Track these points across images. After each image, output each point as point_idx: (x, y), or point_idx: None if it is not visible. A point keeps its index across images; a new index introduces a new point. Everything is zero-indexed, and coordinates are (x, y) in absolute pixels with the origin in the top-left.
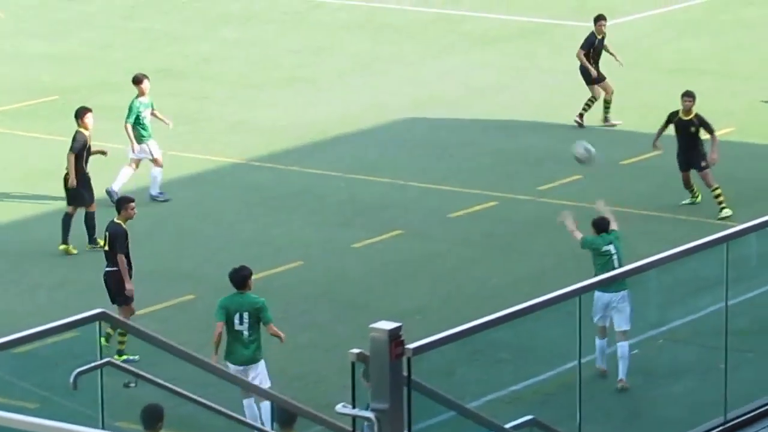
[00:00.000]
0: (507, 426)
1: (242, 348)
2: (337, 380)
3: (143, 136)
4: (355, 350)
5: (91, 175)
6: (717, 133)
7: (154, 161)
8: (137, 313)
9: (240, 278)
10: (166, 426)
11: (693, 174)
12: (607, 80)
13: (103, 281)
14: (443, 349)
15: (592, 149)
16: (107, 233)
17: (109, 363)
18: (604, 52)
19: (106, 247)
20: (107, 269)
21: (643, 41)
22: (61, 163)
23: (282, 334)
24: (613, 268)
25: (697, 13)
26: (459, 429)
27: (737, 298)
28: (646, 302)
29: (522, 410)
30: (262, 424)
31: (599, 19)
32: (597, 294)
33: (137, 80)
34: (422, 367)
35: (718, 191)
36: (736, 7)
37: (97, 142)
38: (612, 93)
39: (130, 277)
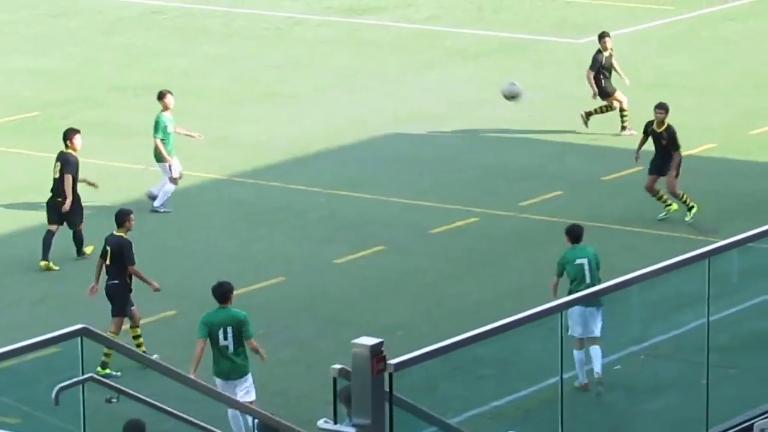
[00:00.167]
0: None
1: (228, 362)
2: (319, 396)
3: (170, 152)
4: (337, 366)
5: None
6: (698, 150)
7: (174, 179)
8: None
9: (222, 293)
10: None
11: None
12: (617, 93)
13: (105, 294)
14: (425, 365)
15: (516, 83)
16: (109, 248)
17: (91, 378)
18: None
19: (108, 261)
20: (110, 282)
21: (624, 57)
22: (42, 178)
23: (262, 351)
24: (584, 279)
25: (678, 29)
26: None
27: (719, 314)
28: (628, 318)
29: (504, 426)
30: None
31: (603, 36)
32: (573, 311)
33: (160, 95)
34: (404, 383)
35: (684, 196)
36: (717, 23)
37: (80, 158)
38: (623, 103)
39: (131, 290)
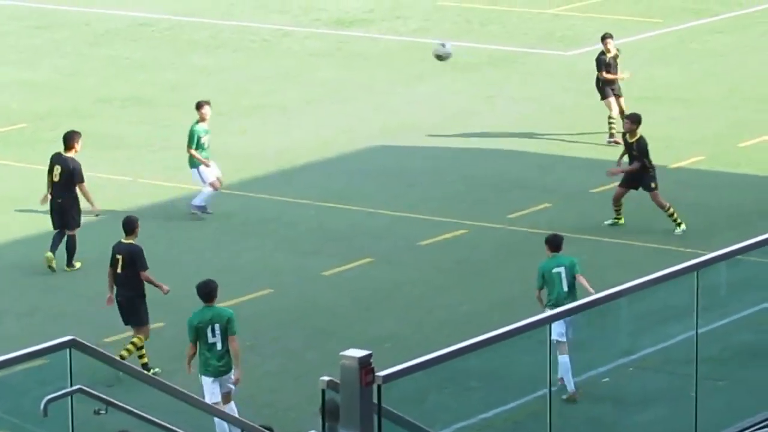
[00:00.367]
0: None
1: (216, 360)
2: (307, 407)
3: (196, 163)
4: (326, 377)
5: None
6: (687, 162)
7: (211, 184)
8: (107, 340)
9: (207, 292)
10: None
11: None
12: (612, 99)
13: (120, 305)
14: (413, 377)
15: (446, 43)
16: (120, 256)
17: (79, 390)
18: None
19: (120, 270)
20: (126, 293)
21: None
22: (29, 190)
23: (238, 350)
24: (561, 287)
25: (667, 42)
26: None
27: (708, 326)
28: (617, 330)
29: None
30: None
31: (605, 37)
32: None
33: (198, 106)
34: (392, 395)
35: (671, 210)
36: (705, 36)
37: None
38: (619, 112)
39: (145, 295)
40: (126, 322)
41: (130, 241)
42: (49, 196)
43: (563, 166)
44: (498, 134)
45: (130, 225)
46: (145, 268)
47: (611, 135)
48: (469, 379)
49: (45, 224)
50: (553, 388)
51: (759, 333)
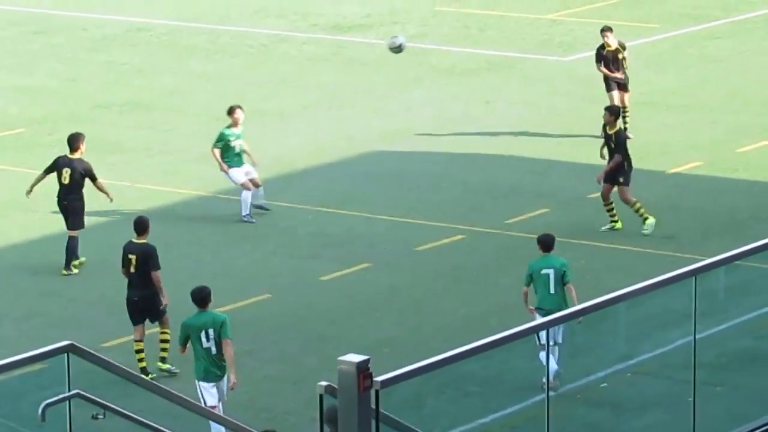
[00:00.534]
0: None
1: (212, 365)
2: (305, 412)
3: (231, 164)
4: (324, 383)
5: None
6: (684, 167)
7: (243, 185)
8: (105, 344)
9: (201, 297)
10: None
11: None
12: (615, 93)
13: (134, 304)
14: (411, 382)
15: (398, 35)
16: (134, 256)
17: (77, 395)
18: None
19: (133, 269)
20: (142, 293)
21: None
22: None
23: (232, 355)
24: (547, 289)
25: (664, 47)
26: None
27: (706, 331)
28: (614, 335)
29: None
30: None
31: (603, 30)
32: (537, 315)
33: (229, 111)
34: (390, 400)
35: (638, 205)
36: (702, 41)
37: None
38: (623, 104)
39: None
40: (139, 321)
41: (143, 240)
42: (31, 191)
43: (561, 171)
44: (496, 139)
45: (142, 225)
46: (158, 268)
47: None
48: (468, 384)
49: (42, 229)
50: (551, 393)
51: (757, 338)
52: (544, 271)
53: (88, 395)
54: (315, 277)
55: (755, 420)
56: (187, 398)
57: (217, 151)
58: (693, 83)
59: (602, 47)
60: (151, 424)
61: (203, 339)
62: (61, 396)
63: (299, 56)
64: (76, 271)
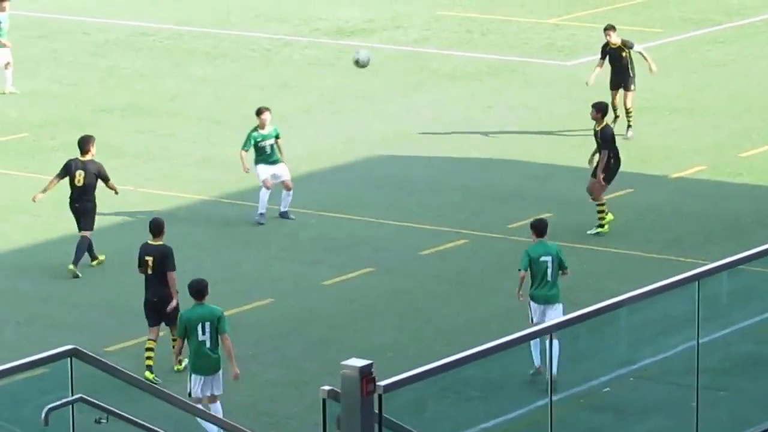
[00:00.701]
0: None
1: (207, 358)
2: (307, 417)
3: (259, 161)
4: (326, 387)
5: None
6: (688, 172)
7: (262, 182)
8: (107, 349)
9: (199, 290)
10: None
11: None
12: (621, 91)
13: (152, 305)
14: (414, 386)
15: (359, 51)
16: (151, 257)
17: (80, 399)
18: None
19: (151, 271)
20: (161, 292)
21: (609, 81)
22: (29, 197)
23: (231, 348)
24: (546, 278)
25: (667, 52)
26: None
27: (708, 336)
28: (617, 340)
29: None
30: None
31: (606, 28)
32: (533, 304)
33: (257, 112)
34: (393, 404)
35: (602, 207)
36: (706, 45)
37: (67, 179)
38: (626, 106)
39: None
40: (156, 322)
41: (160, 242)
42: (42, 195)
43: (563, 175)
44: (497, 143)
45: (158, 226)
46: (174, 269)
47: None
48: (470, 388)
49: (45, 233)
50: (555, 397)
51: (760, 343)
52: (543, 259)
53: (91, 399)
54: (317, 281)
55: (758, 425)
56: (190, 402)
57: (243, 153)
58: (696, 87)
59: (606, 44)
60: (155, 428)
61: (199, 332)
62: (64, 400)
63: (301, 60)
64: (95, 263)
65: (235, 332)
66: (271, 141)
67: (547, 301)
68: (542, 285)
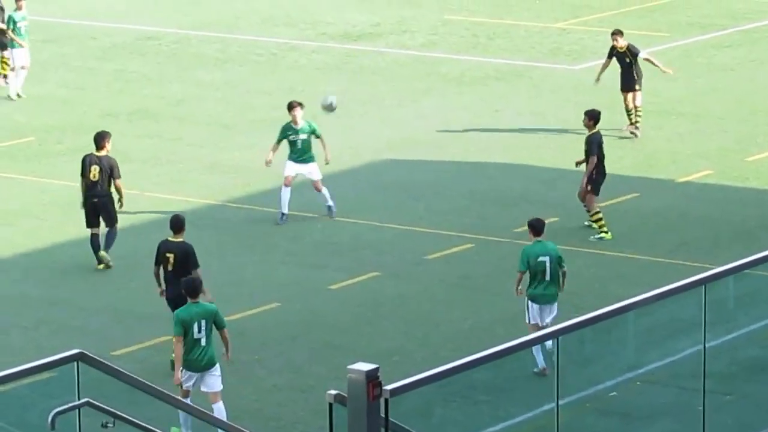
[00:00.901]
0: None
1: (201, 355)
2: (313, 421)
3: (288, 158)
4: (333, 391)
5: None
6: (694, 176)
7: (285, 179)
8: (114, 353)
9: (194, 288)
10: None
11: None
12: (630, 92)
13: (170, 303)
14: (420, 391)
15: (328, 97)
16: (172, 254)
17: (87, 403)
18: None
19: (170, 268)
20: (181, 290)
21: (619, 83)
22: (34, 203)
23: (230, 343)
24: (544, 277)
25: (673, 56)
26: None
27: (715, 340)
28: (623, 344)
29: None
30: None
31: (614, 33)
32: (532, 305)
33: (289, 106)
34: (399, 409)
35: (598, 215)
36: (711, 50)
37: (74, 183)
38: (635, 104)
39: None
40: None
41: (180, 239)
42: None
43: (569, 180)
44: (504, 148)
45: (179, 223)
46: (198, 266)
47: (632, 124)
48: (476, 392)
49: (51, 237)
50: (561, 401)
51: (766, 348)
52: (541, 258)
53: (97, 403)
54: (323, 285)
55: (765, 429)
56: (196, 407)
57: (272, 145)
58: (702, 92)
59: (613, 48)
60: None
61: (195, 330)
62: (71, 404)
63: (308, 65)
64: (102, 265)
65: (242, 336)
66: (304, 136)
67: (546, 300)
68: (540, 284)
